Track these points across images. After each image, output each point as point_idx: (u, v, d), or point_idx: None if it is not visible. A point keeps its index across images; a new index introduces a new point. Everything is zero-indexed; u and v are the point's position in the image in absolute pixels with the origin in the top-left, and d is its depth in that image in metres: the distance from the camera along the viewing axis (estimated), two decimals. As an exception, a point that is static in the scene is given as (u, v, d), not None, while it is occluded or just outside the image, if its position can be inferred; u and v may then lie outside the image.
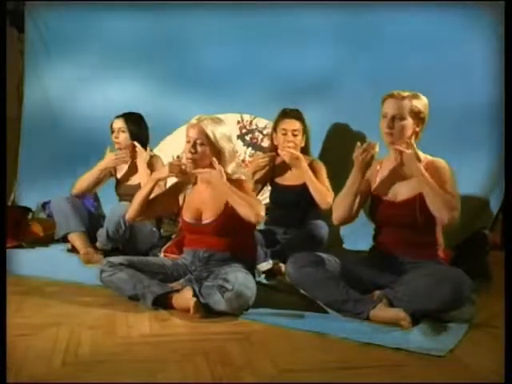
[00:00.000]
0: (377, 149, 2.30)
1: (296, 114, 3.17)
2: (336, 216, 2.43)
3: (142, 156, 3.31)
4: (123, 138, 3.36)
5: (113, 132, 3.40)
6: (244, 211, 2.34)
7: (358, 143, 2.34)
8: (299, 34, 3.63)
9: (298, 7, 3.57)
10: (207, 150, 2.41)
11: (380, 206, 2.37)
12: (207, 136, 2.40)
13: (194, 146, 2.41)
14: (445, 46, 3.36)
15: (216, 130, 2.42)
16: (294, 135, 3.13)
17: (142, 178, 3.26)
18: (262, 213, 2.39)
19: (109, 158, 3.35)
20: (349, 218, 2.42)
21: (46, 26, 4.22)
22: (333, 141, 3.58)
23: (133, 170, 3.43)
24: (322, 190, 3.00)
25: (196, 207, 2.50)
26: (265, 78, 3.71)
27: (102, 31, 4.06)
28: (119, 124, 3.37)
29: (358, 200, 2.38)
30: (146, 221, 3.23)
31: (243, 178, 2.47)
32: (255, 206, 2.35)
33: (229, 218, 2.41)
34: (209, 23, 3.81)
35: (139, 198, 2.54)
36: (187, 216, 2.52)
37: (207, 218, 2.47)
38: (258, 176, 3.23)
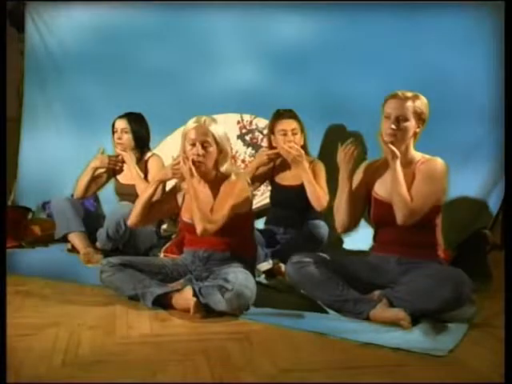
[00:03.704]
0: (356, 148, 2.30)
1: (291, 114, 3.17)
2: (337, 224, 2.42)
3: (130, 159, 3.30)
4: (126, 138, 3.35)
5: (114, 132, 3.39)
6: (196, 220, 2.35)
7: (339, 144, 2.34)
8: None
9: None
10: (214, 151, 2.41)
11: (379, 205, 2.37)
12: (213, 136, 2.40)
13: (203, 147, 2.39)
14: (444, 46, 3.35)
15: (217, 129, 2.43)
16: (294, 134, 3.13)
17: (135, 180, 3.26)
18: (210, 227, 2.34)
19: (100, 159, 3.34)
20: (350, 225, 2.40)
21: (45, 26, 4.22)
22: (330, 142, 3.57)
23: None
24: (317, 193, 2.99)
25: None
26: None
27: (102, 31, 4.06)
28: (122, 125, 3.36)
29: (356, 205, 2.37)
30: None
31: (233, 177, 2.46)
32: (208, 222, 2.34)
33: (227, 218, 2.39)
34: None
35: (141, 202, 2.51)
36: (186, 216, 2.52)
37: None
38: (260, 171, 3.23)
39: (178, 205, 2.58)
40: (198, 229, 2.34)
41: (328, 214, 3.09)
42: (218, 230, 2.39)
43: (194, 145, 2.40)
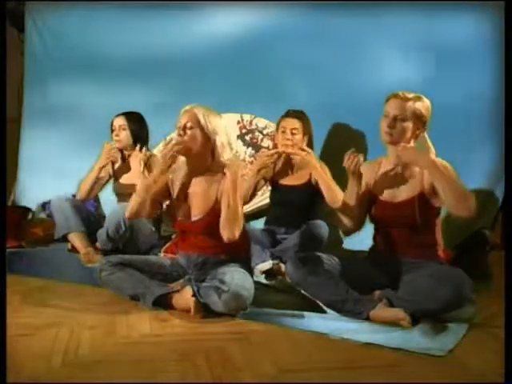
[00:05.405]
0: (361, 157, 2.31)
1: (297, 114, 3.16)
2: (343, 228, 2.47)
3: (137, 157, 3.31)
4: (124, 135, 3.37)
5: (113, 130, 3.40)
6: (227, 225, 2.28)
7: (347, 153, 2.35)
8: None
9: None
10: (197, 134, 2.34)
11: (379, 206, 2.37)
12: (198, 120, 2.34)
13: (184, 128, 2.34)
14: (445, 46, 3.35)
15: (208, 116, 2.36)
16: (293, 134, 3.12)
17: (136, 178, 3.26)
18: (238, 233, 2.28)
19: (108, 149, 3.31)
20: (356, 227, 2.45)
21: (45, 26, 4.23)
22: (333, 141, 3.57)
23: (130, 168, 3.44)
24: (333, 188, 2.93)
25: (186, 203, 2.44)
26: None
27: (102, 31, 4.06)
28: (120, 122, 3.38)
29: (361, 208, 2.39)
30: (146, 220, 3.23)
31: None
32: (237, 228, 2.27)
33: (218, 216, 2.31)
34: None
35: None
36: (178, 213, 2.46)
37: (196, 215, 2.40)
38: (262, 173, 3.20)
39: (168, 186, 2.49)
40: (228, 235, 2.27)
41: (328, 214, 3.10)
42: (211, 232, 2.35)
43: (179, 127, 2.36)
